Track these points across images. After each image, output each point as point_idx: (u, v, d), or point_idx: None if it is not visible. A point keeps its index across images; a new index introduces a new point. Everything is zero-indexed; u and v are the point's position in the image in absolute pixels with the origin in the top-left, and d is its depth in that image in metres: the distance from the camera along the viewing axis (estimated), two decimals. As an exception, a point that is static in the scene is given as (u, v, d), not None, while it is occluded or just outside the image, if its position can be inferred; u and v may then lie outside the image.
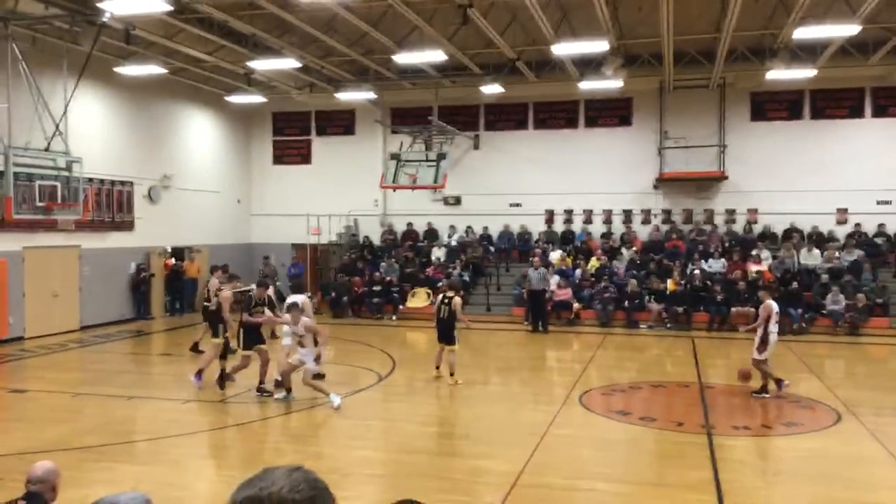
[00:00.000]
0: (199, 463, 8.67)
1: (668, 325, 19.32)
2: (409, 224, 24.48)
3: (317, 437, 9.82)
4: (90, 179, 17.97)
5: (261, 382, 11.56)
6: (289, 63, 18.85)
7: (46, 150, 15.20)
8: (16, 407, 11.55)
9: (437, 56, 17.66)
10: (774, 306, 11.71)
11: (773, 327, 11.56)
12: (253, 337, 11.74)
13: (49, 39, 16.10)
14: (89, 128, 18.60)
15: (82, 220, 17.09)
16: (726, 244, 21.73)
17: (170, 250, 22.06)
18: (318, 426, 10.21)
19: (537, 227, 23.70)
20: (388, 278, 21.82)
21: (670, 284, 19.91)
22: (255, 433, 9.93)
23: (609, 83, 19.96)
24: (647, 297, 19.90)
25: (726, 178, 22.25)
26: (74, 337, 17.75)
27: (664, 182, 22.78)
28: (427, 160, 20.84)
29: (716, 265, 20.75)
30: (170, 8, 13.75)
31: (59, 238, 17.82)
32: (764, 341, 11.42)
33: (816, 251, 20.61)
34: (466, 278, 21.85)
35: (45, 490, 4.50)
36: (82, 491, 7.27)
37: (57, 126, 15.32)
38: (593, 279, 20.82)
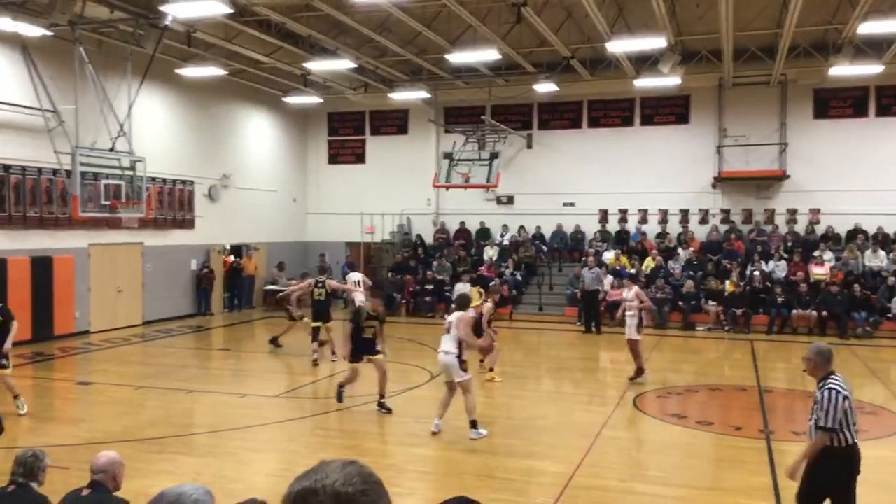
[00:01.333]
0: (256, 456, 8.84)
1: (727, 328, 18.91)
2: (462, 223, 24.51)
3: (371, 433, 9.91)
4: (153, 178, 18.49)
5: (381, 396, 10.60)
6: (344, 64, 19.08)
7: (111, 150, 15.67)
8: (82, 399, 11.98)
9: (490, 55, 17.64)
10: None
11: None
12: (365, 348, 10.66)
13: (114, 42, 16.60)
14: (152, 128, 19.14)
15: (145, 218, 17.59)
16: (788, 245, 21.17)
17: (229, 248, 22.55)
18: (373, 423, 10.30)
19: (591, 226, 23.47)
20: (440, 277, 21.90)
21: (729, 286, 19.48)
22: (312, 428, 10.08)
23: (666, 80, 19.63)
24: (704, 299, 19.53)
25: (788, 177, 21.67)
26: (137, 331, 18.30)
27: (723, 181, 22.31)
28: (480, 159, 20.82)
29: (776, 267, 20.23)
30: (229, 11, 14.05)
31: (124, 235, 18.39)
32: (641, 322, 12.49)
33: (882, 252, 19.91)
34: (519, 278, 21.79)
35: (108, 479, 4.65)
36: (144, 481, 7.51)
37: (121, 126, 15.79)
38: (645, 280, 20.52)
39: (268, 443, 9.41)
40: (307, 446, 9.21)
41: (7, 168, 15.65)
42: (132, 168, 16.15)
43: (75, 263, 17.07)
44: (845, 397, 5.22)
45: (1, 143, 15.39)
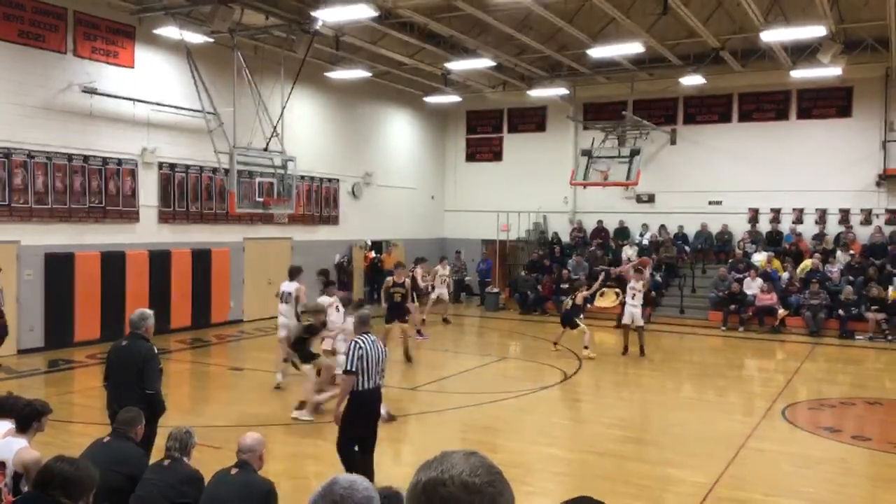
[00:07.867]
0: (393, 447, 9.07)
1: (890, 338, 17.43)
2: (599, 221, 24.03)
3: (502, 430, 9.93)
4: (302, 177, 19.39)
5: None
6: (484, 62, 19.18)
7: (265, 149, 16.57)
8: (234, 384, 12.79)
9: (634, 48, 17.15)
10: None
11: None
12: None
13: (268, 48, 17.57)
14: (302, 129, 20.08)
15: (294, 214, 18.50)
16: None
17: (369, 244, 23.32)
18: (503, 420, 10.32)
19: (739, 226, 22.33)
20: (576, 277, 21.54)
21: (892, 293, 17.94)
22: (442, 422, 10.23)
23: (826, 71, 18.32)
24: (864, 306, 18.09)
25: (965, 174, 19.68)
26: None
27: (889, 179, 20.53)
28: (619, 156, 20.34)
29: (950, 272, 18.41)
30: (375, 14, 14.51)
31: (275, 230, 19.46)
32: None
33: None
34: (658, 279, 21.09)
35: (253, 459, 5.00)
36: (288, 464, 7.91)
37: (274, 128, 16.66)
38: (799, 284, 19.26)
39: (400, 433, 9.63)
40: (440, 439, 9.34)
41: (172, 167, 16.97)
42: (283, 167, 17.01)
43: (231, 256, 18.24)
44: (360, 347, 6.89)
45: (167, 143, 16.73)
